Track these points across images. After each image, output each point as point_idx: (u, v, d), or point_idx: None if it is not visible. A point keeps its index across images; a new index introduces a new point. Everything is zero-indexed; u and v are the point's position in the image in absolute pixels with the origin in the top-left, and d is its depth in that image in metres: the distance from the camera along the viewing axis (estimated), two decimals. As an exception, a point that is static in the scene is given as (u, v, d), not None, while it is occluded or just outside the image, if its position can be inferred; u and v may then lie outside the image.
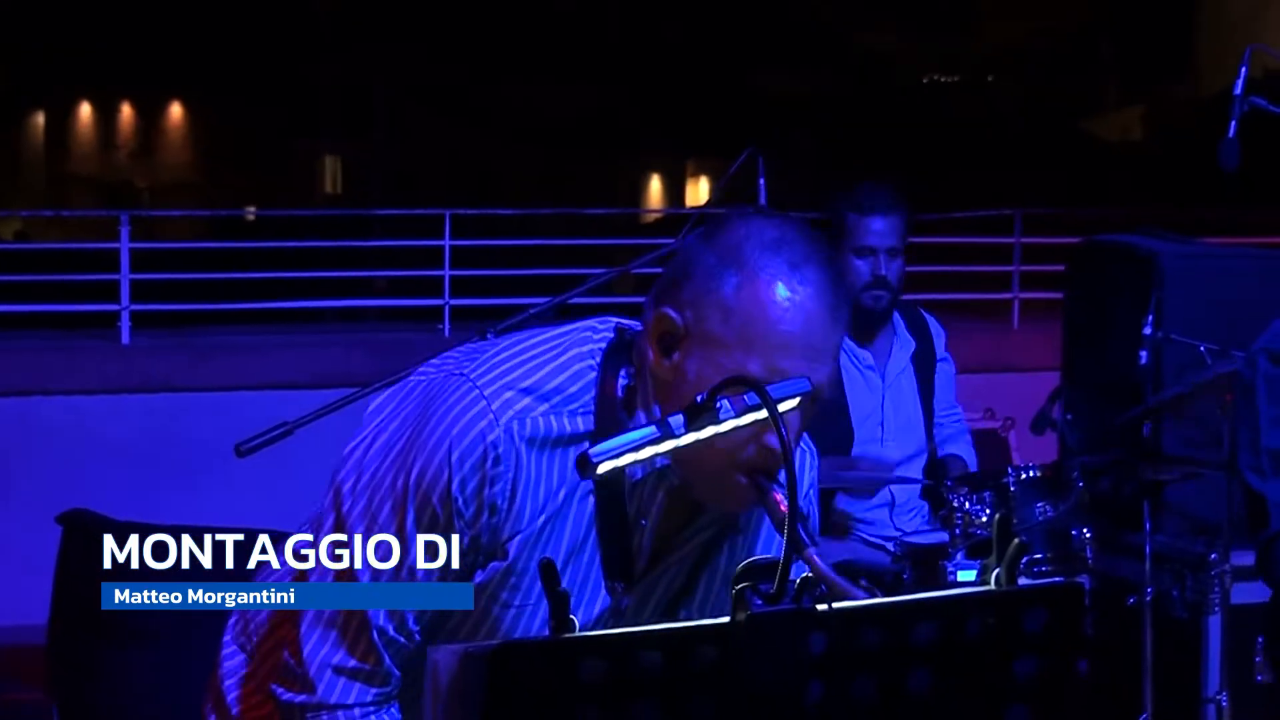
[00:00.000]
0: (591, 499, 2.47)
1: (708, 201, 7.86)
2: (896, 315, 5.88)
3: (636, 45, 40.14)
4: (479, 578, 2.47)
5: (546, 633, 2.29)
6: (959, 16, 44.09)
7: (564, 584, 2.39)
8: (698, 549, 2.57)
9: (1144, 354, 5.43)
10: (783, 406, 2.22)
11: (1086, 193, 26.15)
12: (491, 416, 2.43)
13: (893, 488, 5.68)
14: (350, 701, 2.52)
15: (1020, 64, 42.24)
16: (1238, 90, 4.80)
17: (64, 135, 41.11)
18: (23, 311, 10.94)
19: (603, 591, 2.51)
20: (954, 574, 5.08)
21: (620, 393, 2.49)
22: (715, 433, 2.23)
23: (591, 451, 2.15)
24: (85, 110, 41.20)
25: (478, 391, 2.45)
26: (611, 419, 2.47)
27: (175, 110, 40.82)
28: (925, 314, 6.01)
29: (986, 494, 5.22)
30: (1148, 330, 5.43)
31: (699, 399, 2.21)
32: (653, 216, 32.84)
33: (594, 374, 2.49)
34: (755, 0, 41.79)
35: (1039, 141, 36.70)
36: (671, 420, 2.20)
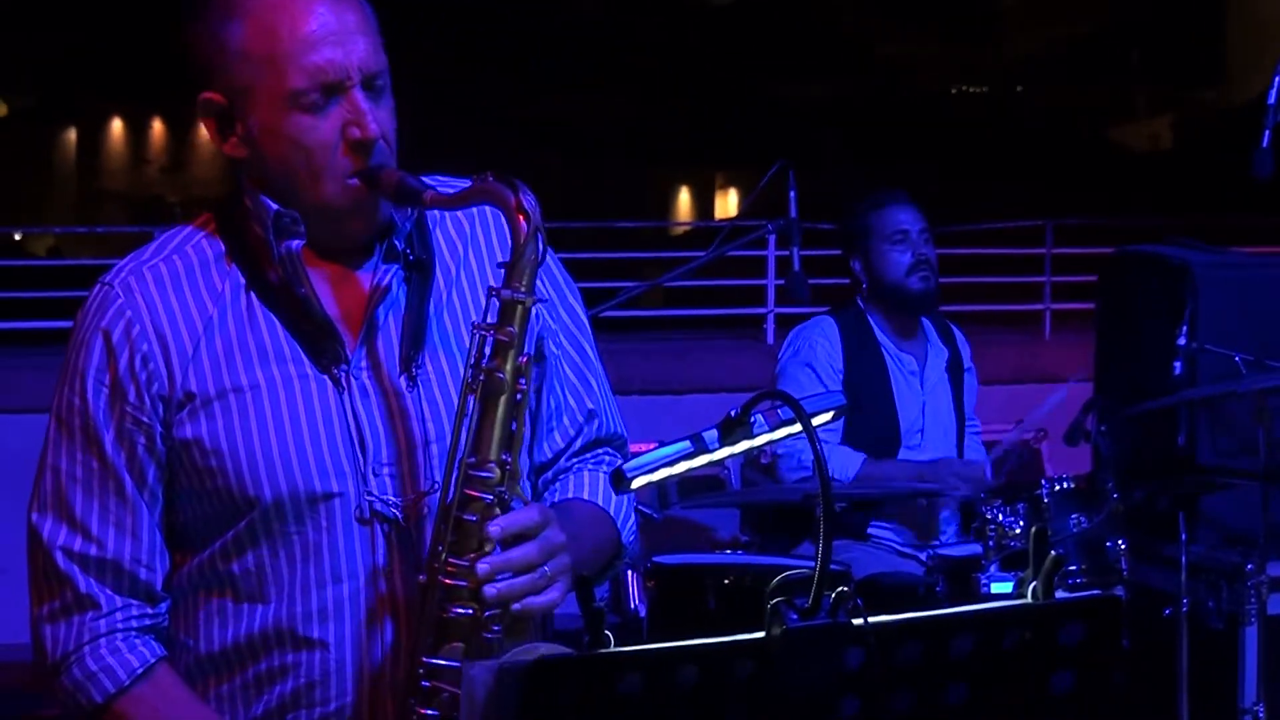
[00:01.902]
0: (251, 295, 2.47)
1: (738, 214, 7.85)
2: (927, 323, 5.89)
3: (667, 57, 40.13)
4: (190, 431, 2.45)
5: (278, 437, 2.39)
6: (986, 26, 44.03)
7: (277, 383, 2.42)
8: (395, 292, 2.51)
9: (1178, 365, 5.41)
10: (817, 420, 2.23)
11: (1116, 202, 26.09)
12: (108, 287, 2.49)
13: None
14: (104, 608, 2.50)
15: (1048, 73, 42.16)
16: (1271, 100, 4.77)
17: (96, 151, 41.25)
18: (56, 328, 10.96)
19: (328, 384, 2.46)
20: (988, 586, 5.06)
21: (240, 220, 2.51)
22: (749, 446, 2.23)
23: (626, 467, 2.15)
24: (117, 126, 41.34)
25: (98, 285, 2.51)
26: (234, 229, 2.50)
27: (204, 130, 40.94)
28: (950, 324, 6.03)
29: (1020, 505, 5.21)
30: (1182, 341, 5.41)
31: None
32: (682, 229, 32.84)
33: (206, 224, 2.54)
34: (784, 12, 41.79)
35: (1068, 151, 36.60)
36: (705, 435, 2.20)
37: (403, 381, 2.47)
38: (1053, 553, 2.09)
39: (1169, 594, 5.22)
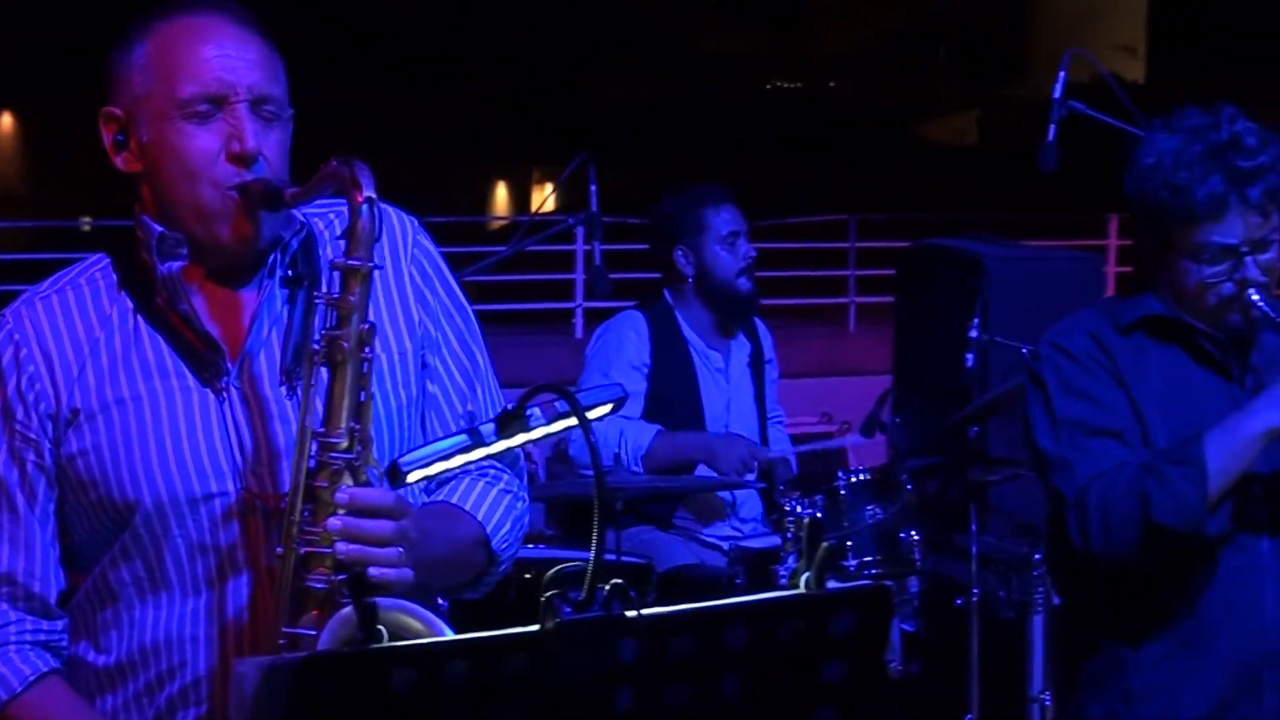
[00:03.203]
0: (139, 318, 2.55)
1: (537, 208, 7.83)
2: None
3: (486, 52, 40.00)
4: (75, 445, 2.52)
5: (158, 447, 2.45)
6: (802, 22, 44.44)
7: (159, 395, 2.49)
8: (280, 308, 2.57)
9: (970, 357, 5.49)
10: (594, 413, 2.24)
11: (923, 196, 26.43)
12: (2, 317, 2.60)
13: (733, 490, 5.71)
14: None
15: (860, 69, 42.68)
16: (1057, 94, 4.86)
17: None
18: None
19: (210, 395, 2.52)
20: (785, 578, 5.10)
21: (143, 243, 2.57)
22: (527, 439, 2.24)
23: (401, 461, 2.16)
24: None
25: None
26: (126, 259, 2.58)
27: (5, 121, 40.24)
28: (754, 318, 6.05)
29: (818, 498, 5.26)
30: (973, 333, 5.49)
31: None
32: (499, 224, 32.78)
33: (101, 260, 2.63)
34: (604, 8, 41.90)
35: (877, 145, 37.02)
36: (482, 429, 2.21)
37: (283, 391, 2.53)
38: (825, 544, 2.12)
39: (961, 584, 5.30)
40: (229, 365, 2.52)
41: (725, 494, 5.75)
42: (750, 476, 5.60)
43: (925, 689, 5.64)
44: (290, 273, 2.57)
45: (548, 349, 10.69)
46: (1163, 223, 3.21)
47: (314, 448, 2.38)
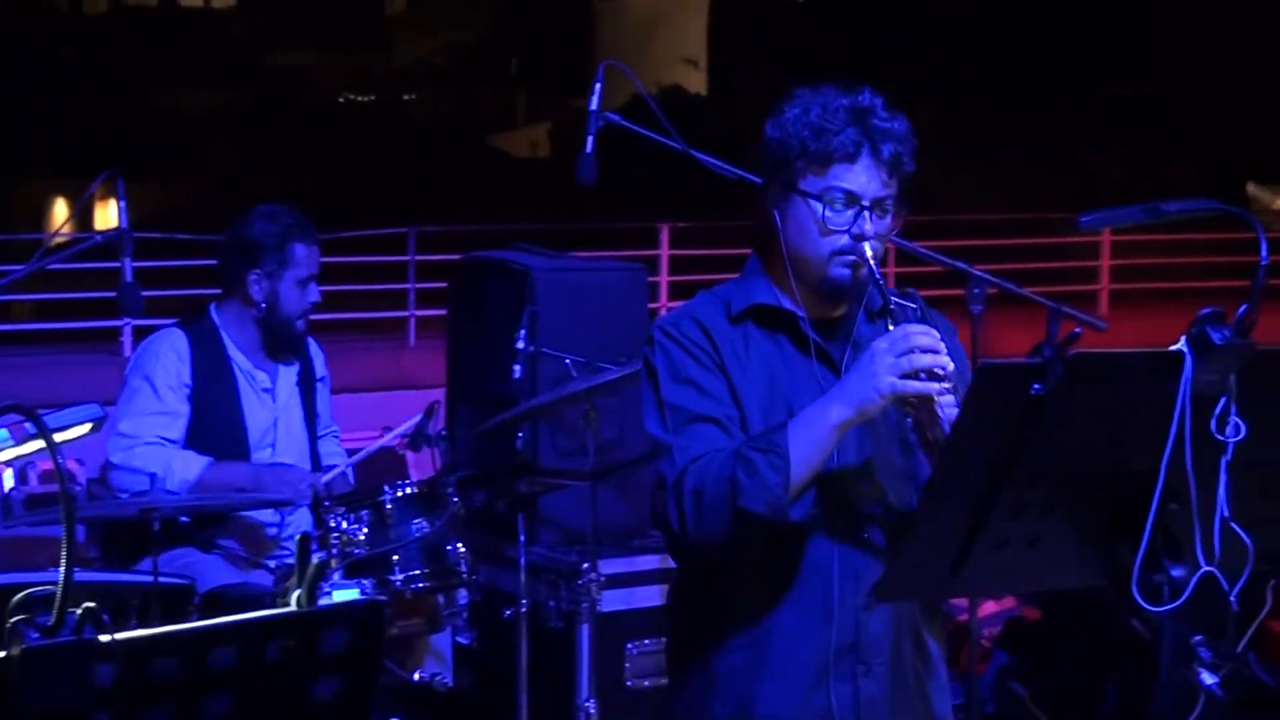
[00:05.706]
0: None
1: (62, 224, 7.65)
2: None
3: (44, 65, 38.95)
4: None
5: None
6: (372, 35, 44.37)
7: None
8: None
9: (517, 368, 5.51)
10: (71, 433, 2.15)
11: (496, 208, 26.62)
12: None
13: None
14: None
15: (435, 81, 42.79)
16: (593, 107, 4.89)
17: None
18: None
19: None
20: (329, 594, 5.02)
21: None
22: (-7, 463, 2.15)
23: None
24: None
25: None
26: None
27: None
28: (306, 335, 5.96)
29: (364, 513, 5.20)
30: (520, 344, 5.52)
31: None
32: (61, 240, 31.89)
33: None
34: (170, 19, 41.22)
35: (452, 159, 37.13)
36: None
37: None
38: (316, 560, 2.07)
39: (511, 594, 5.31)
40: None
41: (271, 527, 5.65)
42: (305, 500, 5.51)
43: (475, 700, 5.64)
44: None
45: (96, 368, 10.40)
46: (802, 161, 3.31)
47: None
